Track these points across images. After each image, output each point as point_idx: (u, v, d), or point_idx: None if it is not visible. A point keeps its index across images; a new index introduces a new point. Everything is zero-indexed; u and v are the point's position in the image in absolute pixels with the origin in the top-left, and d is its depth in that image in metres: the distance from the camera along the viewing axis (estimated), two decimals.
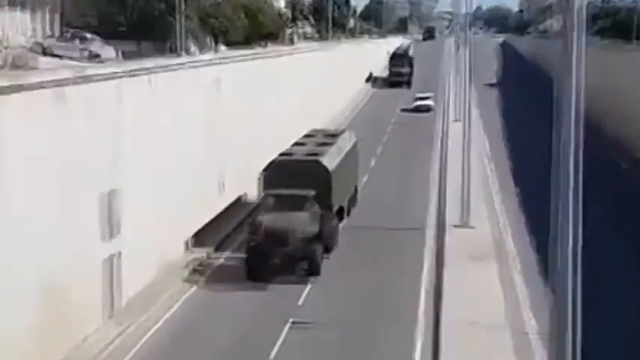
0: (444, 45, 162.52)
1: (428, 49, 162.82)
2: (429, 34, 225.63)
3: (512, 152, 60.01)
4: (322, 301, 31.28)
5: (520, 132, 67.90)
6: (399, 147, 65.64)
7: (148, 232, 32.74)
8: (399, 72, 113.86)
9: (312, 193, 35.99)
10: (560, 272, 10.24)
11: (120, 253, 30.53)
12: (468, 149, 42.65)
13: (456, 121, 72.60)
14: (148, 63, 35.16)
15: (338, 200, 39.52)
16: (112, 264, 30.07)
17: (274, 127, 52.98)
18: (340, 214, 40.22)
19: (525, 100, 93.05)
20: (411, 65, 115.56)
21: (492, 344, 26.77)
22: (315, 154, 39.91)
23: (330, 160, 39.81)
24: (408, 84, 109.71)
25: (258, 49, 54.01)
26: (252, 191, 41.02)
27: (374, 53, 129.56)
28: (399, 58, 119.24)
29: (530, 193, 45.75)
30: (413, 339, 27.54)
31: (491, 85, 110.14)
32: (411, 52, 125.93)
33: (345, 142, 45.62)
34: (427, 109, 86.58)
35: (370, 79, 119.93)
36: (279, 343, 27.42)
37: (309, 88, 69.24)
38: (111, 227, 29.76)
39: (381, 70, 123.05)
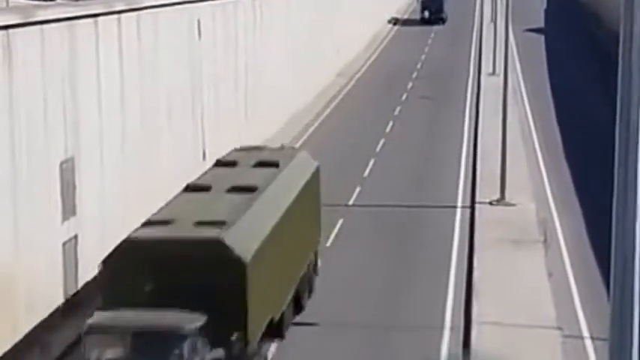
0: None
1: None
2: (431, 12, 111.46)
3: (563, 121, 55.94)
4: None
5: (572, 97, 63.44)
6: None
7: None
8: None
9: (201, 319, 20.59)
10: (620, 269, 8.56)
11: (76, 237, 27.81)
12: (505, 111, 39.57)
13: (491, 74, 69.61)
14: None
15: (261, 317, 22.86)
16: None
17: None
18: (272, 330, 24.06)
19: (578, 57, 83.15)
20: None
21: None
22: (216, 224, 22.32)
23: (247, 234, 22.61)
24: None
25: None
26: None
27: None
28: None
29: (587, 184, 41.66)
30: None
31: (533, 30, 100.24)
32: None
33: (292, 178, 27.63)
34: None
35: None
36: None
37: None
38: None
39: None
